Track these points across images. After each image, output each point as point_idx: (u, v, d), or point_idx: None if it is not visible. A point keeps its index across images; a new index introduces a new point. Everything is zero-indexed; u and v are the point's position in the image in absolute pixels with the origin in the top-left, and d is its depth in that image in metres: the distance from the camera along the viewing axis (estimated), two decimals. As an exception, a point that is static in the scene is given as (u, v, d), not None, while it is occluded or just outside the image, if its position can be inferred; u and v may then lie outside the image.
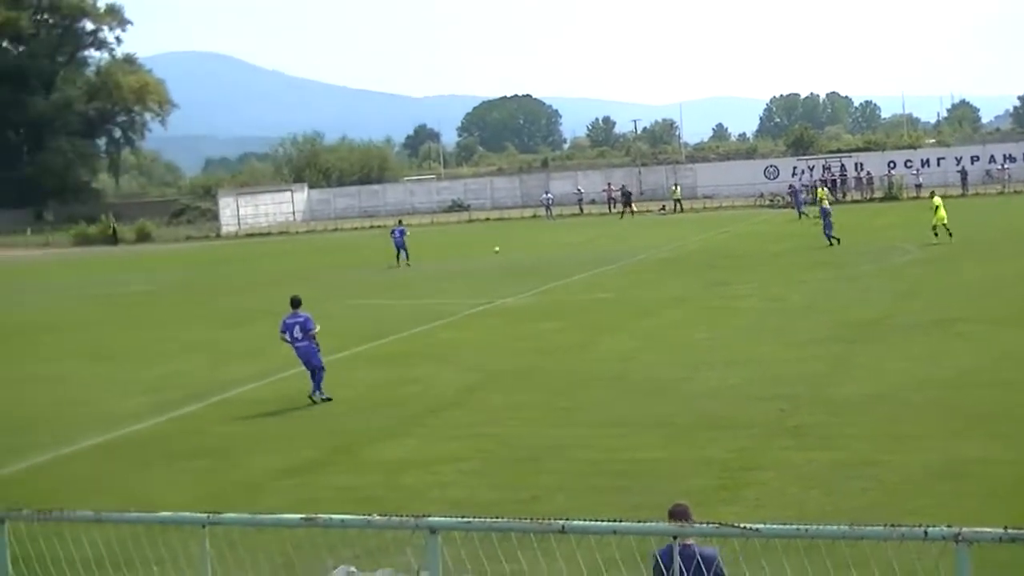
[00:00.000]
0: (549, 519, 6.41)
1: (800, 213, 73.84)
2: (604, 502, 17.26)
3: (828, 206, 57.55)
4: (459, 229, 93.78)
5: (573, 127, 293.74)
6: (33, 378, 33.09)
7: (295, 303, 27.32)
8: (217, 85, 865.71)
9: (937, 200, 54.91)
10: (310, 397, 26.50)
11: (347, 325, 39.19)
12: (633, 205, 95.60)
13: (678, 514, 10.70)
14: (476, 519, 6.68)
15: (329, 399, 26.43)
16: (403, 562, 12.23)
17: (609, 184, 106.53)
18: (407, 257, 61.30)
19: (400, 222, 67.92)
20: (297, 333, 26.76)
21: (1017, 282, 38.60)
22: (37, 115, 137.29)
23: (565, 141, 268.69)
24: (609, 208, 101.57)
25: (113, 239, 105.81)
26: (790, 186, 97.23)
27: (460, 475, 19.93)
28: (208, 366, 33.18)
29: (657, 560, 9.98)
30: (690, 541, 10.01)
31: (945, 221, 53.18)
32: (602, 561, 10.39)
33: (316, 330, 27.04)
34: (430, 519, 6.56)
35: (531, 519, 6.57)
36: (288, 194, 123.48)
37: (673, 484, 18.23)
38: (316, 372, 26.66)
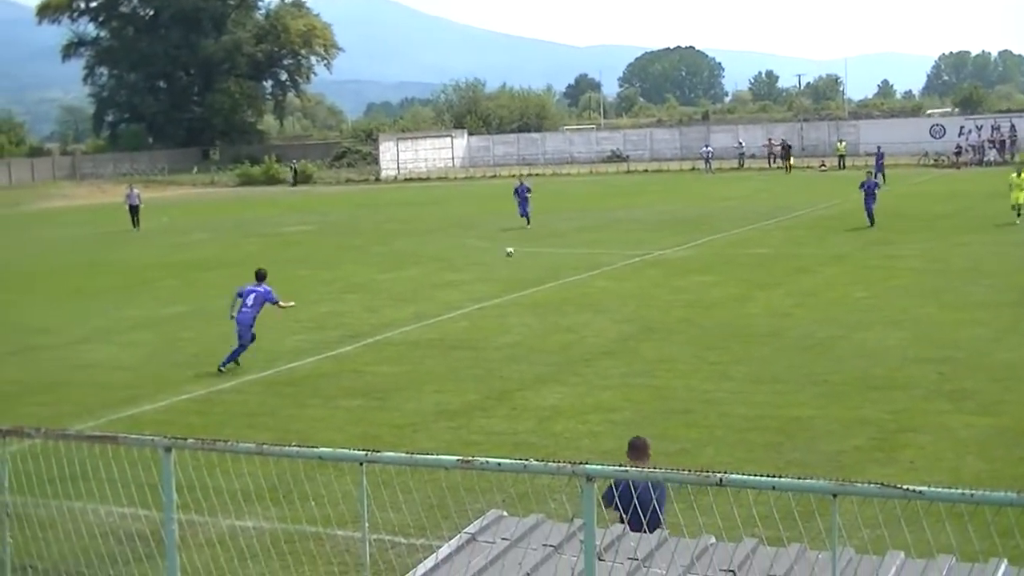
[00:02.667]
0: (707, 471, 6.39)
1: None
2: (755, 458, 17.18)
3: None
4: (618, 179, 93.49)
5: (735, 80, 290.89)
6: (196, 313, 33.90)
7: (260, 276, 26.91)
8: (382, 30, 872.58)
9: (1015, 178, 48.68)
10: (219, 368, 25.76)
11: (504, 272, 39.48)
12: (791, 160, 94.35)
13: (639, 447, 10.97)
14: (633, 467, 6.68)
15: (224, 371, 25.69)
16: (553, 509, 12.32)
17: (770, 139, 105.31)
18: (528, 220, 55.36)
19: (521, 178, 61.01)
20: (250, 301, 26.16)
21: None
22: (207, 57, 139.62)
23: (727, 94, 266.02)
24: (769, 163, 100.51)
25: (293, 180, 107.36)
26: (957, 145, 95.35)
27: (611, 425, 19.95)
28: (365, 307, 33.63)
29: (612, 491, 10.23)
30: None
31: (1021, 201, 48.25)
32: (757, 516, 10.37)
33: (279, 302, 26.73)
34: (587, 466, 6.58)
35: (689, 470, 6.55)
36: (448, 140, 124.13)
37: (827, 443, 18.08)
38: (241, 346, 26.03)
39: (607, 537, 8.30)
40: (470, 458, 7.14)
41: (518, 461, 7.07)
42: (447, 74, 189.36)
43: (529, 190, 56.03)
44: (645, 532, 8.63)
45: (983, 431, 18.64)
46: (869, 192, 49.27)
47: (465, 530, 8.81)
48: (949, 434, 18.53)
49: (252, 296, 26.27)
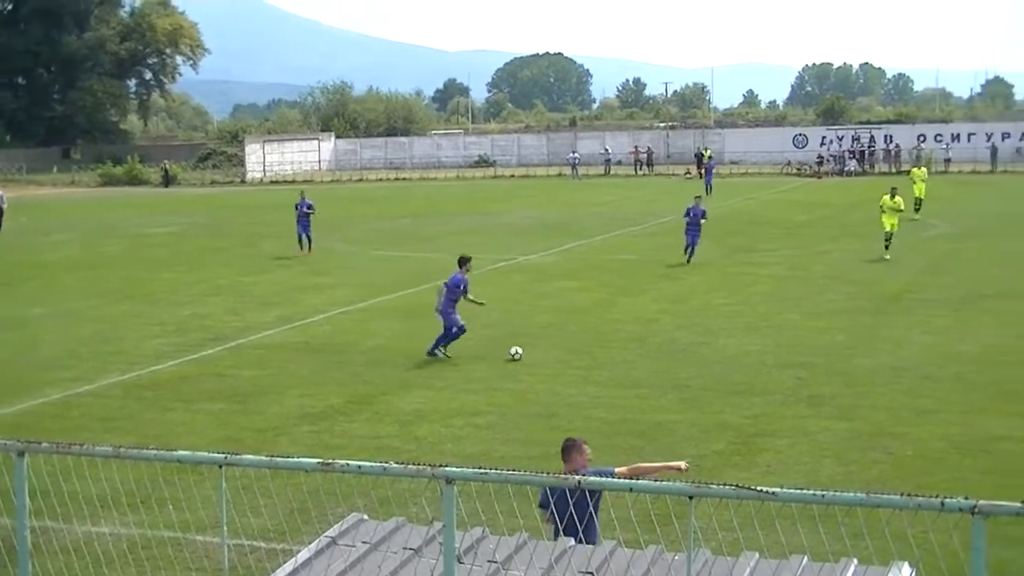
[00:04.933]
0: (567, 474, 6.44)
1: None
2: (617, 462, 17.23)
3: None
4: (485, 185, 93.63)
5: (603, 87, 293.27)
6: (57, 315, 33.25)
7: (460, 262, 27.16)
8: (251, 30, 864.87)
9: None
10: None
11: (370, 276, 39.36)
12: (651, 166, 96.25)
13: (571, 447, 11.07)
14: (493, 470, 6.70)
15: None
16: (415, 513, 12.32)
17: (636, 146, 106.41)
18: (310, 242, 46.24)
19: (303, 194, 47.99)
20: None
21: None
22: (69, 54, 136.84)
23: (595, 101, 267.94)
24: (635, 170, 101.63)
25: (164, 181, 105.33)
26: (819, 155, 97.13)
27: (475, 429, 20.03)
28: (229, 310, 33.28)
29: (545, 490, 10.35)
30: (585, 465, 10.53)
31: (920, 195, 54.25)
32: (616, 519, 10.47)
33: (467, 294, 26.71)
34: (447, 469, 6.59)
35: (548, 473, 6.59)
36: (315, 143, 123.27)
37: (687, 447, 18.30)
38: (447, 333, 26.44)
39: (467, 540, 8.31)
40: (330, 461, 7.12)
41: (378, 464, 7.06)
42: (316, 76, 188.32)
43: (311, 208, 46.83)
44: (581, 541, 8.70)
45: (839, 435, 19.02)
46: (693, 222, 41.02)
47: (325, 534, 8.76)
48: (807, 438, 18.89)
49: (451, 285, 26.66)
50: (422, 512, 12.53)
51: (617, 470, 11.24)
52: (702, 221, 41.14)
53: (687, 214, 41.46)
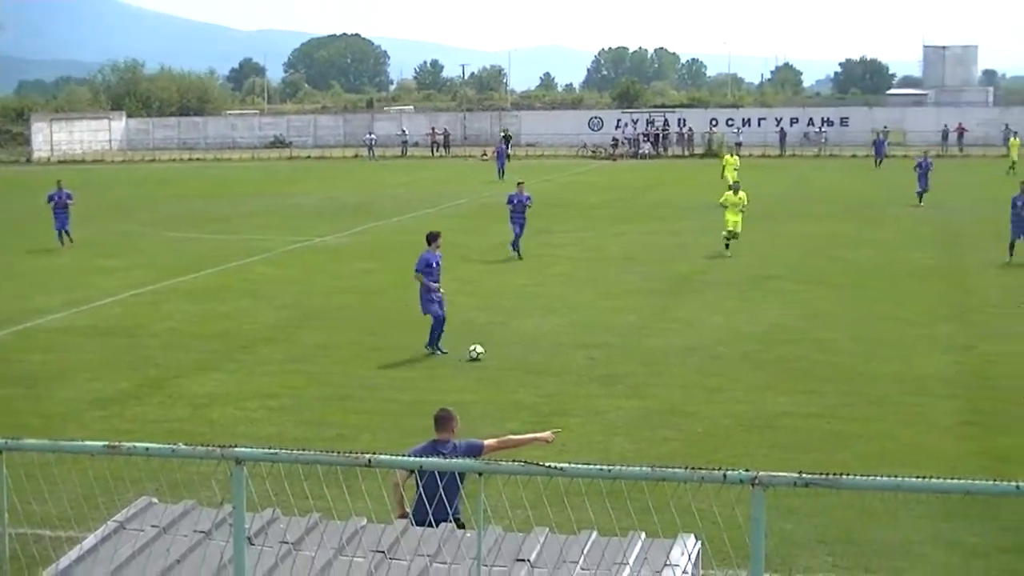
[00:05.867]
0: (356, 453, 6.42)
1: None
2: (412, 443, 17.29)
3: None
4: (281, 166, 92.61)
5: (401, 69, 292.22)
6: None
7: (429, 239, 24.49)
8: (38, 5, 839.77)
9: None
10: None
11: (163, 258, 38.67)
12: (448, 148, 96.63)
13: (441, 419, 11.12)
14: (283, 451, 6.65)
15: None
16: (208, 497, 12.15)
17: (433, 128, 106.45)
18: (69, 237, 41.83)
19: (60, 184, 42.75)
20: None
21: (828, 242, 39.66)
22: None
23: (392, 83, 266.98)
24: (432, 152, 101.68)
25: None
26: (613, 138, 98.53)
27: (269, 412, 19.87)
28: (14, 294, 32.32)
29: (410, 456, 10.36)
30: (450, 439, 10.62)
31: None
32: (409, 501, 10.49)
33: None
34: (236, 450, 6.50)
35: (338, 452, 6.57)
36: (105, 122, 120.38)
37: (483, 427, 18.35)
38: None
39: (257, 522, 8.24)
40: (117, 444, 6.97)
41: (166, 446, 6.94)
42: (106, 54, 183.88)
43: (71, 198, 41.92)
44: (448, 521, 8.74)
45: (631, 413, 19.37)
46: (518, 210, 38.48)
47: (113, 519, 8.60)
48: (599, 417, 19.19)
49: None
50: (215, 496, 12.38)
51: (486, 443, 11.38)
52: (527, 208, 38.50)
53: (510, 201, 38.75)
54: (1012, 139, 72.82)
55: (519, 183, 40.48)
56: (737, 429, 18.51)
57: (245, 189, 67.61)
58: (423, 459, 7.27)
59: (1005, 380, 21.65)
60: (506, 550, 7.97)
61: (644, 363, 22.83)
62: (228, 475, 6.62)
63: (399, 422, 18.81)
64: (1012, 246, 35.35)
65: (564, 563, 7.87)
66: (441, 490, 9.38)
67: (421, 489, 9.86)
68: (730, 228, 38.00)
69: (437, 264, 24.15)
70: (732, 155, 56.18)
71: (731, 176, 54.35)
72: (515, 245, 37.93)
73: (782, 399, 20.17)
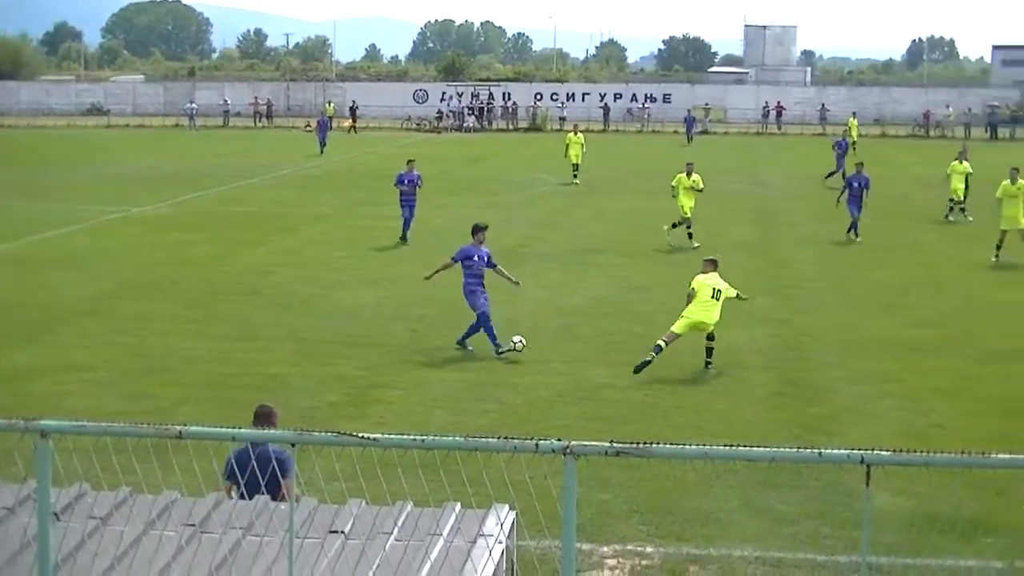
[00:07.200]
0: (167, 425, 6.32)
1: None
2: (230, 416, 17.04)
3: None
4: (97, 134, 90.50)
5: (224, 37, 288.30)
6: None
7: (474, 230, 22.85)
8: None
9: (573, 137, 52.55)
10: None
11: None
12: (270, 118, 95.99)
13: (262, 416, 11.01)
14: (90, 423, 6.51)
15: None
16: (15, 472, 11.86)
17: (256, 98, 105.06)
18: None
19: None
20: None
21: (649, 216, 40.12)
22: None
23: (214, 51, 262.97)
24: (255, 122, 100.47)
25: None
26: (438, 111, 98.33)
27: (86, 385, 19.49)
28: None
29: (231, 461, 10.27)
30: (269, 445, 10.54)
31: (577, 160, 52.35)
32: (218, 472, 10.38)
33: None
34: (41, 422, 6.33)
35: (148, 424, 6.45)
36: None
37: (301, 399, 18.34)
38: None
39: (64, 498, 8.08)
40: (-89, 418, 6.75)
41: (-33, 420, 6.74)
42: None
43: None
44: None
45: (452, 386, 19.46)
46: (410, 191, 35.33)
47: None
48: (419, 389, 19.25)
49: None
50: (20, 472, 12.09)
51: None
52: (418, 188, 35.52)
53: (400, 181, 35.40)
54: (851, 119, 73.71)
55: (409, 161, 36.31)
56: (556, 401, 18.72)
57: (60, 158, 65.94)
58: (235, 430, 7.18)
59: (817, 352, 22.28)
60: (319, 522, 7.95)
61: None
62: (32, 449, 6.44)
63: (219, 393, 18.63)
64: (855, 225, 35.68)
65: (378, 534, 7.88)
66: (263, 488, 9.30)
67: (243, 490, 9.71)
68: (684, 215, 35.31)
69: (480, 259, 22.17)
70: (576, 133, 54.71)
71: (575, 156, 52.50)
72: (404, 230, 34.90)
73: (601, 371, 20.45)
